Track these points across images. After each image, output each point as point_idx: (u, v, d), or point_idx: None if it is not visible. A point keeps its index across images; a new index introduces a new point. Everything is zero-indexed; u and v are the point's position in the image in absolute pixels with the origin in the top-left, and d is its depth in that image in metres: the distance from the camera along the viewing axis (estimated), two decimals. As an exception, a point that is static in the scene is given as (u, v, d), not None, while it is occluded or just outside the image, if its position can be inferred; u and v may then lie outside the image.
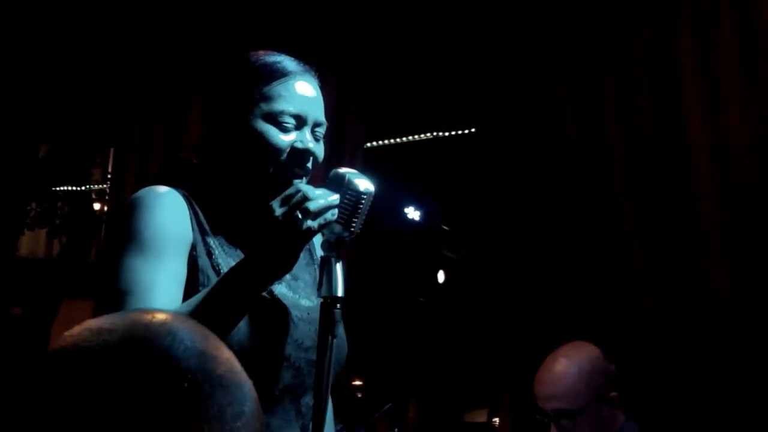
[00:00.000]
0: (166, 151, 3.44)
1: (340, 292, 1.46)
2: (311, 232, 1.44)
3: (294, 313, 1.58)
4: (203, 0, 3.59)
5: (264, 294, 1.53)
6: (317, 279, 1.50)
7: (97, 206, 8.43)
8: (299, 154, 1.61)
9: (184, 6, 3.58)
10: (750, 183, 2.79)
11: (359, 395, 11.42)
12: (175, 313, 0.77)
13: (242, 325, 1.48)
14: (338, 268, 1.48)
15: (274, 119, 1.61)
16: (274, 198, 1.57)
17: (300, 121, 1.62)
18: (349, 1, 3.43)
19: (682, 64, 2.91)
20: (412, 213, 8.14)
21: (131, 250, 1.50)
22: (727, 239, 2.80)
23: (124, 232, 1.53)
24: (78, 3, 4.15)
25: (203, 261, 1.56)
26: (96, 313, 0.85)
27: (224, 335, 1.41)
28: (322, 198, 1.44)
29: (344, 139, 3.29)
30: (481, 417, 11.39)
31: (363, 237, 1.58)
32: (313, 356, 1.50)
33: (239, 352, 0.78)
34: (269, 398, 1.55)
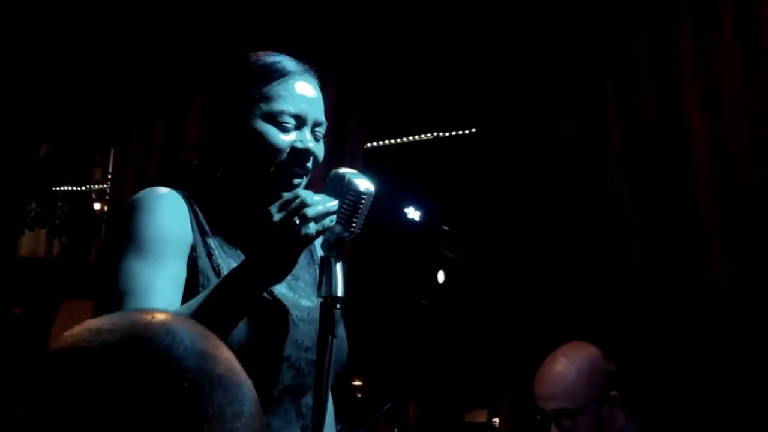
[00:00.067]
0: (166, 151, 3.44)
1: (340, 292, 1.46)
2: (309, 238, 1.44)
3: (294, 313, 1.58)
4: (203, 0, 3.59)
5: (264, 294, 1.53)
6: (317, 279, 1.51)
7: (97, 206, 8.43)
8: (299, 154, 1.61)
9: (184, 6, 3.58)
10: (750, 183, 2.79)
11: (359, 395, 11.42)
12: (175, 314, 0.77)
13: (242, 326, 1.48)
14: (338, 268, 1.48)
15: (274, 119, 1.61)
16: (274, 197, 1.58)
17: (300, 121, 1.62)
18: (349, 1, 3.43)
19: (682, 64, 2.91)
20: (412, 213, 8.14)
21: (130, 252, 1.50)
22: (727, 239, 2.80)
23: (123, 233, 1.54)
24: (78, 3, 4.14)
25: (203, 262, 1.56)
26: (96, 314, 0.85)
27: (224, 336, 1.41)
28: (320, 204, 1.44)
29: (344, 139, 3.30)
30: (481, 417, 11.39)
31: (363, 237, 1.58)
32: (314, 356, 1.51)
33: (239, 353, 0.78)
34: (270, 398, 1.55)
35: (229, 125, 1.64)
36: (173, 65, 3.54)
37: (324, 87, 1.71)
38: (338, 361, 1.62)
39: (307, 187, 1.67)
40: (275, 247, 1.44)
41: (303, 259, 1.66)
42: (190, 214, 1.59)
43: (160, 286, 1.48)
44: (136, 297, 1.46)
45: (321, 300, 1.47)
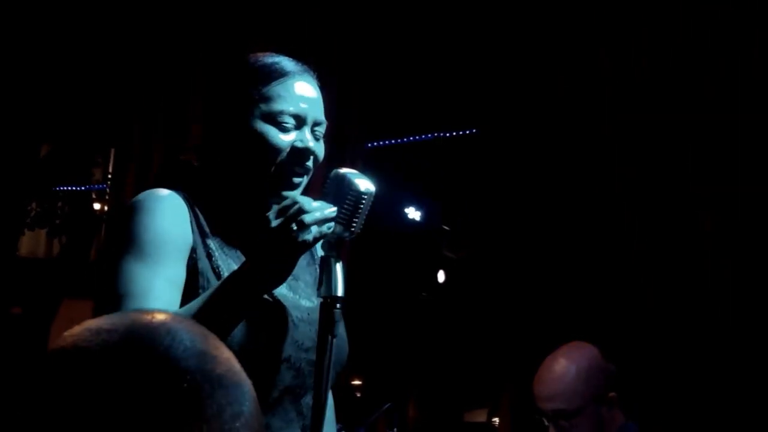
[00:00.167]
0: (166, 151, 3.44)
1: (339, 292, 1.47)
2: (307, 245, 1.44)
3: (294, 314, 1.58)
4: (203, 0, 3.59)
5: (264, 296, 1.53)
6: (317, 279, 1.51)
7: (97, 206, 8.42)
8: (299, 154, 1.61)
9: (184, 6, 3.58)
10: (750, 184, 2.79)
11: (359, 395, 11.42)
12: (175, 314, 0.77)
13: (242, 326, 1.49)
14: (338, 268, 1.48)
15: (274, 119, 1.61)
16: (274, 197, 1.58)
17: (299, 121, 1.63)
18: (349, 2, 3.43)
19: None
20: (412, 213, 8.13)
21: (130, 254, 1.50)
22: (728, 239, 2.80)
23: (123, 235, 1.54)
24: (78, 3, 4.15)
25: (203, 263, 1.56)
26: (95, 315, 0.85)
27: (224, 337, 1.42)
28: (318, 211, 1.45)
29: (344, 139, 3.30)
30: (480, 417, 11.38)
31: (363, 237, 1.58)
32: (314, 357, 1.51)
33: (240, 353, 0.78)
34: (270, 399, 1.55)
35: (228, 126, 1.64)
36: (173, 65, 3.55)
37: (324, 87, 1.71)
38: (338, 361, 1.62)
39: (307, 187, 1.67)
40: (273, 252, 1.44)
41: (303, 260, 1.66)
42: (190, 216, 1.59)
43: (160, 288, 1.48)
44: (136, 299, 1.46)
45: (321, 300, 1.47)
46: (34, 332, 6.93)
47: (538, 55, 3.22)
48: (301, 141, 1.62)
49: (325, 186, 1.51)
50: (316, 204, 1.46)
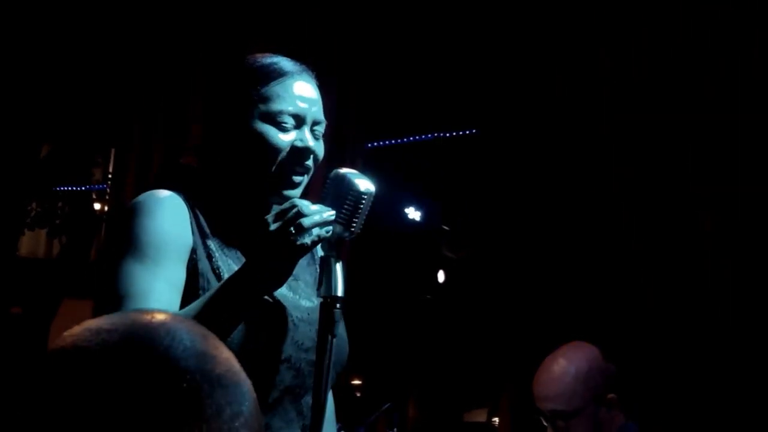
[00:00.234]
0: (166, 151, 3.44)
1: (339, 292, 1.47)
2: (305, 248, 1.44)
3: (294, 314, 1.58)
4: (203, 0, 3.59)
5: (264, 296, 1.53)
6: (317, 279, 1.51)
7: (97, 206, 8.42)
8: (299, 153, 1.62)
9: (184, 6, 3.58)
10: (749, 184, 2.79)
11: (358, 395, 11.42)
12: (175, 314, 0.78)
13: (243, 327, 1.49)
14: (338, 267, 1.49)
15: (273, 119, 1.62)
16: (275, 196, 1.59)
17: (299, 121, 1.63)
18: (349, 2, 3.43)
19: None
20: (412, 213, 8.13)
21: (130, 255, 1.51)
22: (727, 239, 2.80)
23: (123, 236, 1.54)
24: (78, 3, 4.15)
25: (203, 264, 1.56)
26: (96, 316, 0.86)
27: (224, 338, 1.42)
28: (317, 214, 1.45)
29: (344, 139, 3.30)
30: (480, 417, 11.38)
31: (363, 237, 1.58)
32: (314, 357, 1.51)
33: (240, 354, 0.78)
34: (270, 399, 1.55)
35: (228, 127, 1.64)
36: (173, 65, 3.55)
37: (324, 87, 1.71)
38: (339, 361, 1.62)
39: (308, 188, 1.67)
40: (272, 256, 1.45)
41: (303, 259, 1.66)
42: (190, 217, 1.59)
43: (160, 290, 1.48)
44: (135, 300, 1.46)
45: (321, 300, 1.47)
46: (34, 332, 6.93)
47: (538, 55, 3.22)
48: (301, 140, 1.62)
49: (325, 186, 1.52)
50: (314, 207, 1.46)
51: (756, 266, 2.75)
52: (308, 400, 1.57)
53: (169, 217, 1.56)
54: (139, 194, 1.64)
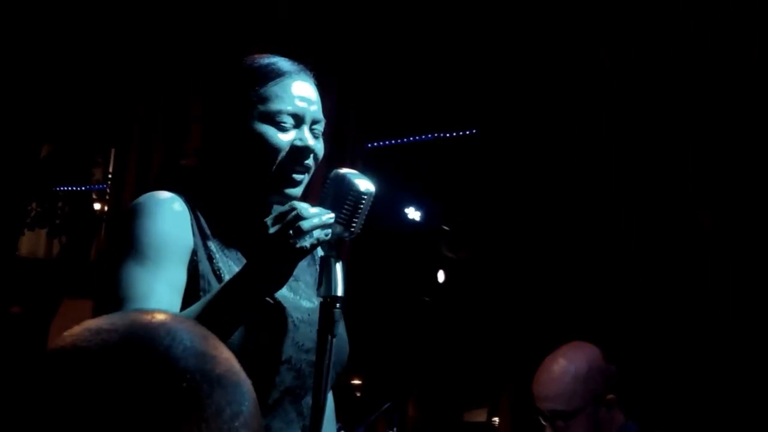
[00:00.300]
0: (166, 151, 3.44)
1: (339, 292, 1.47)
2: (304, 251, 1.44)
3: (295, 315, 1.58)
4: (203, 0, 3.59)
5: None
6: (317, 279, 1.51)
7: (97, 206, 8.42)
8: (299, 152, 1.62)
9: (185, 6, 3.58)
10: (749, 185, 2.79)
11: (358, 394, 11.42)
12: (175, 314, 0.78)
13: (243, 328, 1.49)
14: (338, 267, 1.49)
15: (272, 119, 1.62)
16: (276, 195, 1.59)
17: (298, 120, 1.63)
18: (349, 2, 3.43)
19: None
20: (412, 213, 8.13)
21: (131, 258, 1.51)
22: (728, 241, 2.80)
23: (124, 238, 1.54)
24: (78, 3, 4.15)
25: (204, 266, 1.56)
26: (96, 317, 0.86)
27: (224, 340, 1.42)
28: (316, 217, 1.45)
29: (344, 139, 3.30)
30: (480, 416, 11.38)
31: (363, 237, 1.58)
32: (314, 357, 1.51)
33: (240, 355, 0.78)
34: (270, 400, 1.55)
35: (228, 128, 1.65)
36: (173, 65, 3.55)
37: (324, 87, 1.72)
38: (339, 361, 1.62)
39: (308, 188, 1.68)
40: (271, 259, 1.45)
41: (303, 260, 1.66)
42: (191, 218, 1.59)
43: (160, 292, 1.49)
44: (136, 302, 1.46)
45: (321, 300, 1.47)
46: (34, 332, 6.93)
47: (538, 55, 3.22)
48: (301, 140, 1.63)
49: (325, 186, 1.52)
50: (313, 210, 1.46)
51: (756, 266, 2.75)
52: (309, 400, 1.57)
53: (169, 218, 1.56)
54: (139, 194, 1.64)
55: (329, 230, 1.47)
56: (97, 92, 5.33)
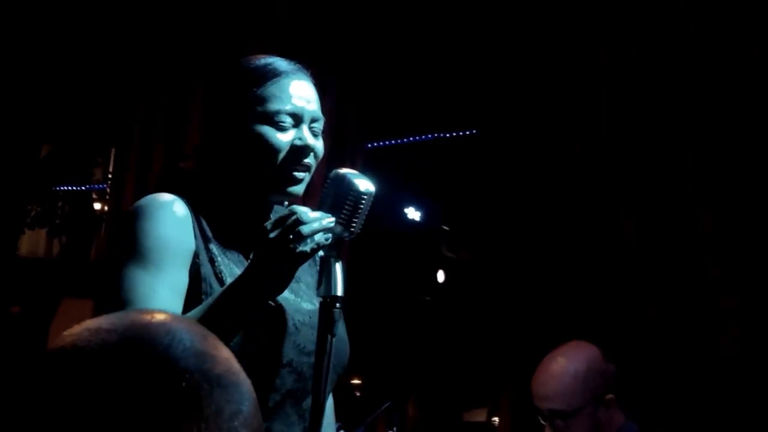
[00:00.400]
0: (166, 151, 3.44)
1: (339, 292, 1.47)
2: (304, 256, 1.44)
3: (296, 317, 1.58)
4: (204, 0, 3.59)
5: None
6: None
7: (97, 206, 8.42)
8: (299, 152, 1.62)
9: (185, 6, 3.58)
10: (750, 186, 2.79)
11: (358, 394, 11.42)
12: (175, 314, 0.78)
13: (244, 331, 1.49)
14: (338, 267, 1.49)
15: (271, 119, 1.62)
16: (279, 195, 1.59)
17: (296, 119, 1.63)
18: (349, 2, 3.43)
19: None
20: (412, 213, 8.13)
21: (132, 261, 1.51)
22: (728, 241, 2.80)
23: (125, 241, 1.54)
24: (79, 3, 4.15)
25: (206, 269, 1.56)
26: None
27: (226, 343, 1.42)
28: (316, 221, 1.45)
29: (344, 140, 3.30)
30: (480, 416, 11.38)
31: (363, 237, 1.58)
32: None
33: (241, 357, 0.78)
34: (272, 403, 1.55)
35: (227, 130, 1.65)
36: (173, 65, 3.55)
37: (324, 87, 1.73)
38: (339, 363, 1.62)
39: (308, 188, 1.68)
40: (271, 264, 1.45)
41: (305, 262, 1.66)
42: (192, 221, 1.59)
43: (162, 295, 1.49)
44: (137, 305, 1.47)
45: (320, 299, 1.48)
46: (34, 331, 6.93)
47: (538, 55, 3.22)
48: (300, 139, 1.63)
49: (325, 186, 1.52)
50: (314, 214, 1.46)
51: (756, 266, 2.75)
52: (309, 403, 1.57)
53: (171, 221, 1.56)
54: (139, 194, 1.64)
55: (330, 234, 1.47)
56: (97, 92, 5.33)
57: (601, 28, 3.06)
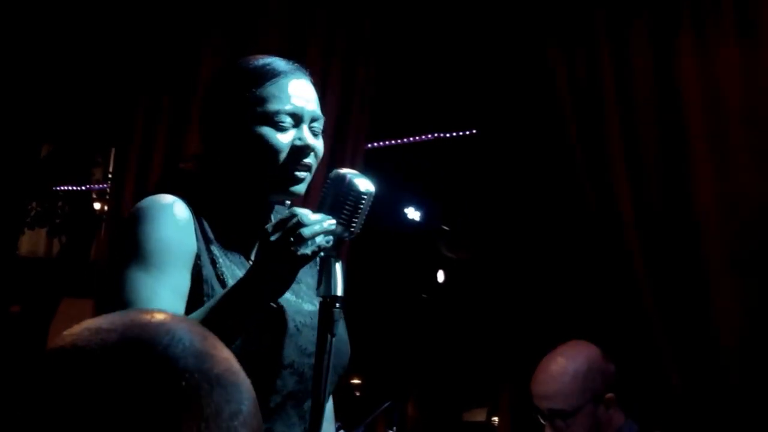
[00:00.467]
0: (167, 151, 3.44)
1: (339, 292, 1.47)
2: (306, 258, 1.44)
3: (297, 319, 1.58)
4: (204, 0, 3.59)
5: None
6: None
7: (97, 206, 8.42)
8: (299, 152, 1.62)
9: (185, 6, 3.58)
10: (751, 186, 2.80)
11: (358, 394, 11.42)
12: (174, 314, 0.78)
13: (245, 332, 1.49)
14: (337, 267, 1.49)
15: (271, 120, 1.62)
16: (281, 195, 1.59)
17: (296, 119, 1.63)
18: (348, 2, 3.43)
19: (682, 65, 2.92)
20: (412, 213, 8.13)
21: (134, 263, 1.51)
22: (727, 241, 2.80)
23: (127, 244, 1.54)
24: (79, 3, 4.15)
25: (207, 271, 1.56)
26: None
27: (227, 345, 1.42)
28: (317, 224, 1.45)
29: (345, 140, 3.30)
30: (480, 416, 11.39)
31: (363, 237, 1.58)
32: (316, 360, 1.51)
33: (243, 359, 0.78)
34: (273, 404, 1.55)
35: (227, 131, 1.64)
36: (175, 64, 3.54)
37: (326, 88, 1.73)
38: (340, 364, 1.62)
39: (308, 189, 1.68)
40: (273, 267, 1.45)
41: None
42: (194, 223, 1.59)
43: (164, 297, 1.48)
44: (140, 307, 1.46)
45: (320, 299, 1.48)
46: (34, 331, 6.94)
47: (538, 55, 3.22)
48: (300, 139, 1.63)
49: (325, 186, 1.52)
50: (314, 217, 1.46)
51: (756, 266, 2.75)
52: (310, 404, 1.58)
53: (172, 223, 1.56)
54: (140, 194, 1.65)
55: (331, 237, 1.47)
56: (97, 92, 5.33)
57: (601, 28, 3.06)
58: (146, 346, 0.70)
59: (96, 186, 8.24)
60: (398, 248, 8.49)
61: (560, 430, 2.38)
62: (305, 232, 1.43)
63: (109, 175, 6.39)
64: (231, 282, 1.54)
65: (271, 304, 1.54)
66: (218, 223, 1.63)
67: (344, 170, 1.53)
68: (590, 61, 3.07)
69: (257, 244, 1.52)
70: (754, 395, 2.70)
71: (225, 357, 0.74)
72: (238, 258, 1.62)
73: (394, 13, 3.55)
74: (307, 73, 1.70)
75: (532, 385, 2.46)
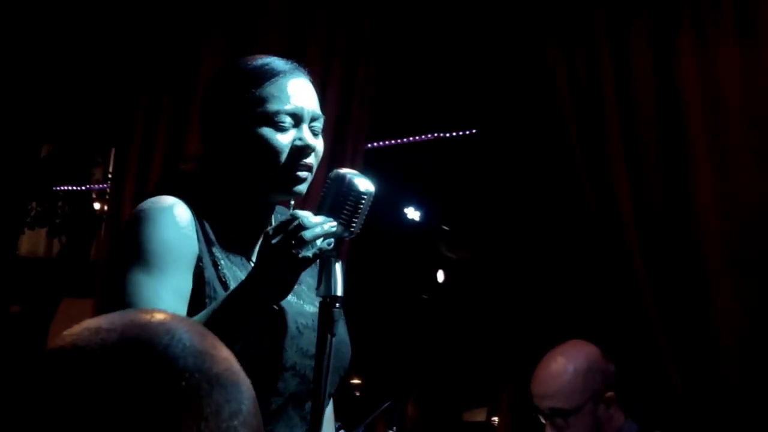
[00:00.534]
0: (167, 151, 3.44)
1: (338, 291, 1.47)
2: (307, 261, 1.44)
3: (298, 320, 1.58)
4: (205, 0, 3.59)
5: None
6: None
7: (97, 206, 8.42)
8: (300, 152, 1.62)
9: (186, 6, 3.57)
10: (751, 186, 2.79)
11: (358, 394, 11.42)
12: (174, 314, 0.78)
13: (247, 334, 1.49)
14: (337, 267, 1.49)
15: (271, 120, 1.61)
16: (282, 194, 1.59)
17: (296, 119, 1.63)
18: (348, 2, 3.43)
19: (682, 65, 2.92)
20: (412, 213, 8.13)
21: (136, 265, 1.50)
22: (727, 241, 2.80)
23: (128, 246, 1.54)
24: (79, 2, 4.15)
25: (209, 272, 1.56)
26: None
27: (229, 347, 1.42)
28: (318, 227, 1.45)
29: (345, 140, 3.30)
30: (480, 416, 11.39)
31: (363, 237, 1.58)
32: (318, 363, 1.51)
33: (244, 361, 0.78)
34: (275, 406, 1.55)
35: (227, 132, 1.64)
36: (175, 64, 3.54)
37: (327, 88, 1.73)
38: (340, 364, 1.62)
39: (308, 189, 1.68)
40: (274, 270, 1.45)
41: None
42: (195, 224, 1.58)
43: (166, 299, 1.48)
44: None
45: (320, 299, 1.48)
46: (34, 331, 6.94)
47: (538, 55, 3.22)
48: (300, 139, 1.62)
49: (325, 186, 1.52)
50: (315, 219, 1.46)
51: (756, 266, 2.75)
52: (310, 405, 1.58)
53: (174, 225, 1.55)
54: (140, 194, 1.65)
55: (332, 239, 1.47)
56: (97, 92, 5.33)
57: (601, 28, 3.06)
58: (146, 345, 0.70)
59: (96, 186, 8.24)
60: (398, 248, 8.49)
61: (560, 428, 2.38)
62: (306, 234, 1.43)
63: (109, 175, 6.39)
64: (233, 284, 1.54)
65: (273, 306, 1.53)
66: (219, 225, 1.62)
67: (344, 170, 1.53)
68: (590, 61, 3.06)
69: (258, 244, 1.51)
70: (754, 395, 2.70)
71: (225, 357, 0.74)
72: (239, 259, 1.62)
73: (394, 13, 3.55)
74: (306, 73, 1.70)
75: (532, 384, 2.46)
